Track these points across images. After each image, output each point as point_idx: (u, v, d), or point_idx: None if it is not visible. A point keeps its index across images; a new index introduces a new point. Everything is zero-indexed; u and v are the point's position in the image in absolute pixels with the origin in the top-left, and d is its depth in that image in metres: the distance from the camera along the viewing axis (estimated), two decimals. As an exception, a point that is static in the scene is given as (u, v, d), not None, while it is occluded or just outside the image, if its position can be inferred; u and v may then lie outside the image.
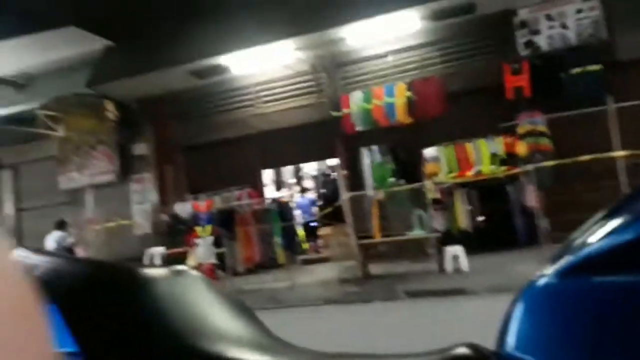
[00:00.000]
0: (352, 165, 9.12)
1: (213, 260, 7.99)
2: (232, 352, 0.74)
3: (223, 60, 8.95)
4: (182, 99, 10.28)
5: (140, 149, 10.83)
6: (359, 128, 9.02)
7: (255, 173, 10.43)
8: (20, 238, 11.68)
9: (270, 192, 11.15)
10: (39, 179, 11.29)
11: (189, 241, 8.44)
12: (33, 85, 10.34)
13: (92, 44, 9.34)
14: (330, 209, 9.09)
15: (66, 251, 9.12)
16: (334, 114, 9.10)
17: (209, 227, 8.23)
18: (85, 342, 0.72)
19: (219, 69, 9.20)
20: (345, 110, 9.02)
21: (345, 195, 8.17)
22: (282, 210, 8.99)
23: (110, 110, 10.50)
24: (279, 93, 9.95)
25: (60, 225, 9.22)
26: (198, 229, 8.27)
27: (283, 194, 11.26)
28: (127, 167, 10.79)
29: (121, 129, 10.60)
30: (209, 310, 0.83)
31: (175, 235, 9.58)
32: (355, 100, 8.94)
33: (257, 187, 10.26)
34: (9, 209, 11.97)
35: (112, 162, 10.76)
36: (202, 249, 8.00)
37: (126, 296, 0.78)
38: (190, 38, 8.60)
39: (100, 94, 9.98)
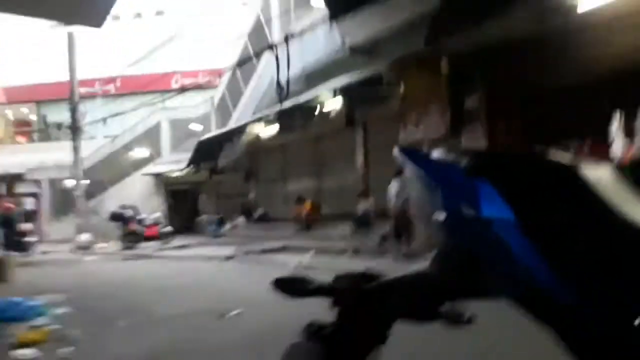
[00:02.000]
0: None
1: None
2: None
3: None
4: (517, 47, 9.71)
5: (472, 102, 10.92)
6: None
7: (597, 122, 9.07)
8: (368, 184, 13.76)
9: (617, 141, 9.51)
10: (384, 134, 12.87)
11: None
12: (380, 50, 11.72)
13: (428, 3, 9.81)
14: None
15: (405, 197, 10.25)
16: None
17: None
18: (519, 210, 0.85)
19: (564, 9, 8.24)
20: None
21: None
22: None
23: (444, 66, 10.90)
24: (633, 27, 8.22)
25: (398, 173, 10.37)
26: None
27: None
28: (458, 121, 11.08)
29: (453, 83, 10.91)
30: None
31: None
32: None
33: (602, 136, 8.94)
34: (360, 160, 14.18)
35: (444, 117, 11.22)
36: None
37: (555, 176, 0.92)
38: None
39: (435, 50, 10.44)
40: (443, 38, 9.84)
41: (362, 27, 11.46)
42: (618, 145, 9.29)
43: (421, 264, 1.01)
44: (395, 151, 1.06)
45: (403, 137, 12.19)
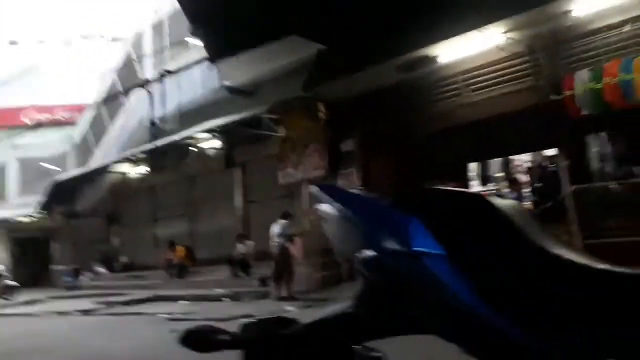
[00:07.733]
0: (577, 156, 8.11)
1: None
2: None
3: (430, 50, 8.84)
4: (388, 95, 10.47)
5: (348, 145, 11.39)
6: (585, 112, 7.98)
7: (460, 166, 10.07)
8: (248, 226, 13.41)
9: (475, 187, 10.63)
10: (263, 175, 12.77)
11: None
12: (259, 93, 11.78)
13: (308, 50, 10.17)
14: (548, 204, 8.23)
15: (287, 238, 10.13)
16: (554, 97, 8.21)
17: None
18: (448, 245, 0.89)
19: (425, 61, 9.12)
20: (567, 93, 8.08)
21: (568, 189, 7.30)
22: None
23: (322, 111, 11.30)
24: (489, 79, 9.42)
25: (285, 216, 10.28)
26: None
27: (489, 188, 10.64)
28: (335, 163, 11.46)
29: (331, 127, 11.32)
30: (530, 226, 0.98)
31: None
32: (582, 79, 7.92)
33: (463, 181, 9.89)
34: (238, 201, 13.83)
35: (322, 159, 11.55)
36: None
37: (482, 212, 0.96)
38: (398, 33, 8.69)
39: (314, 96, 10.80)
40: (321, 84, 10.24)
41: (242, 69, 11.46)
42: (475, 188, 10.38)
43: (340, 304, 1.00)
44: (313, 188, 1.06)
45: (282, 178, 12.24)
